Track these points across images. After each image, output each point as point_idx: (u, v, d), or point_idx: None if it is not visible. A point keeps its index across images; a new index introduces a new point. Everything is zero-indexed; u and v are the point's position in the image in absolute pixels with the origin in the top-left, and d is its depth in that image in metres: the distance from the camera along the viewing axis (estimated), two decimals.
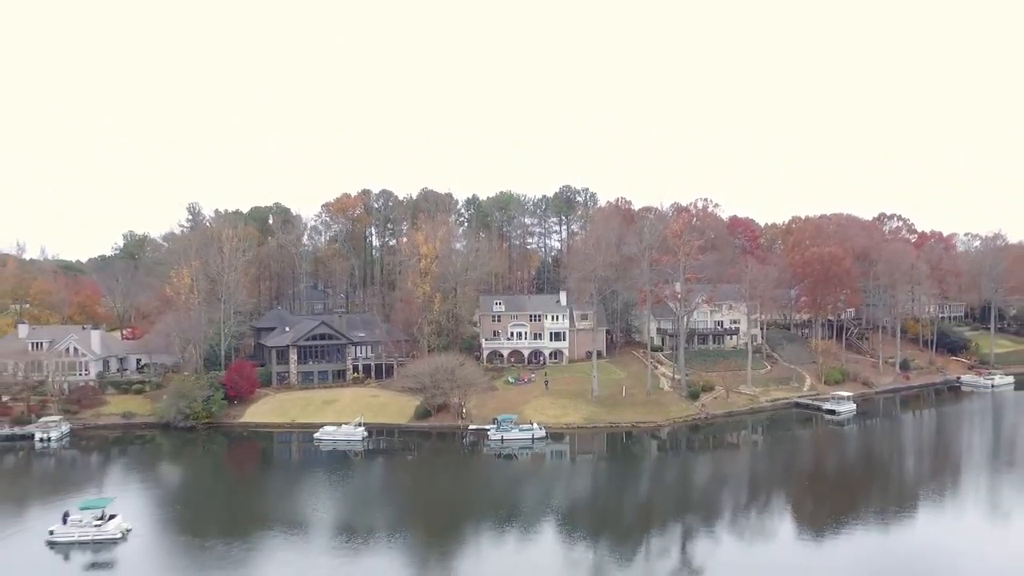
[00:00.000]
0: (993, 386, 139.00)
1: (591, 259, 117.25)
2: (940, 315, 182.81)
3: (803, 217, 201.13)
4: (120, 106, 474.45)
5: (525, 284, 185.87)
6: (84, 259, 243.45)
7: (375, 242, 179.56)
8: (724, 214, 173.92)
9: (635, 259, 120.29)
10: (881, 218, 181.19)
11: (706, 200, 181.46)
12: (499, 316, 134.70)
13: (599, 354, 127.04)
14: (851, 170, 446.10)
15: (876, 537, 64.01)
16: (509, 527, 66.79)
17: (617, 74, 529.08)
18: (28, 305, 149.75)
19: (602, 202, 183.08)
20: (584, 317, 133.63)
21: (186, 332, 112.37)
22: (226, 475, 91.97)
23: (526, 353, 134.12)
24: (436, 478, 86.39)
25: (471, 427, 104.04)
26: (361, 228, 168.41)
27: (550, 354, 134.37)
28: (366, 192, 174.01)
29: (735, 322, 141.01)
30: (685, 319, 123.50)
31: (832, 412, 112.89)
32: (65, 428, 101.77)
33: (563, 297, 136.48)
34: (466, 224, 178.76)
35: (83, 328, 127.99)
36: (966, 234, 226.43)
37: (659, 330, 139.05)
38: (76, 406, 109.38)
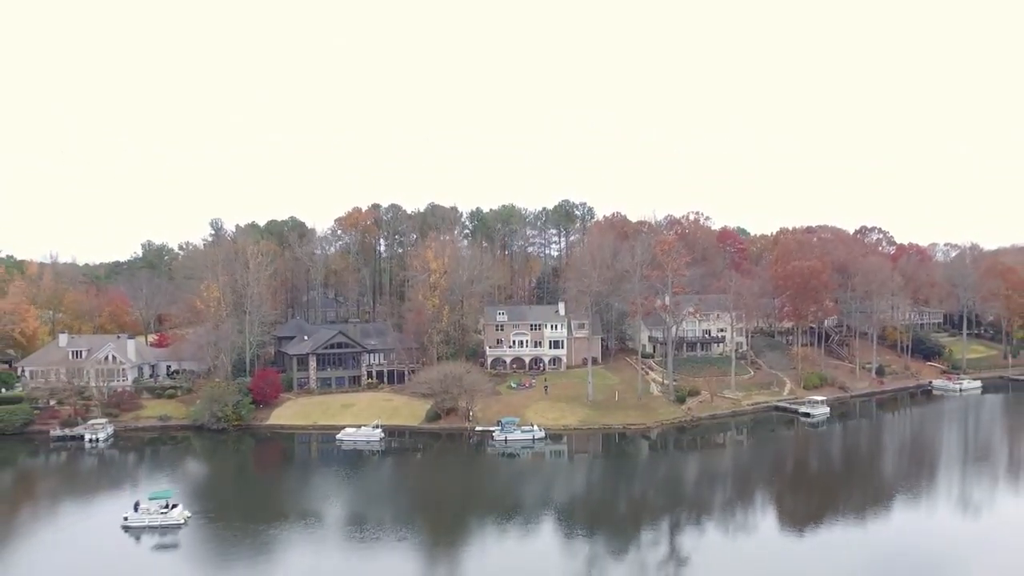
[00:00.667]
0: (961, 390, 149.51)
1: (587, 275, 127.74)
2: (919, 322, 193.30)
3: (791, 228, 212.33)
4: (120, 106, 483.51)
5: (526, 293, 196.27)
6: (85, 260, 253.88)
7: (383, 250, 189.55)
8: (718, 222, 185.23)
9: (628, 274, 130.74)
10: (863, 231, 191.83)
11: (697, 213, 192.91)
12: (502, 325, 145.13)
13: (595, 361, 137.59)
14: (848, 170, 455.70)
15: (846, 526, 73.83)
16: (512, 519, 76.80)
17: (617, 74, 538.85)
18: (60, 314, 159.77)
19: (599, 215, 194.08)
20: (581, 326, 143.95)
21: (217, 342, 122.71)
22: (259, 472, 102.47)
23: (527, 360, 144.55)
24: (446, 475, 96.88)
25: (477, 429, 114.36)
26: (372, 240, 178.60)
27: (549, 361, 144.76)
28: (376, 206, 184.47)
29: (722, 330, 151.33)
30: (674, 329, 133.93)
31: (807, 415, 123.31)
32: (110, 430, 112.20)
33: (561, 307, 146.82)
34: (470, 236, 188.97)
35: (118, 337, 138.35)
36: (946, 244, 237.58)
37: (651, 338, 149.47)
38: (116, 409, 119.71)
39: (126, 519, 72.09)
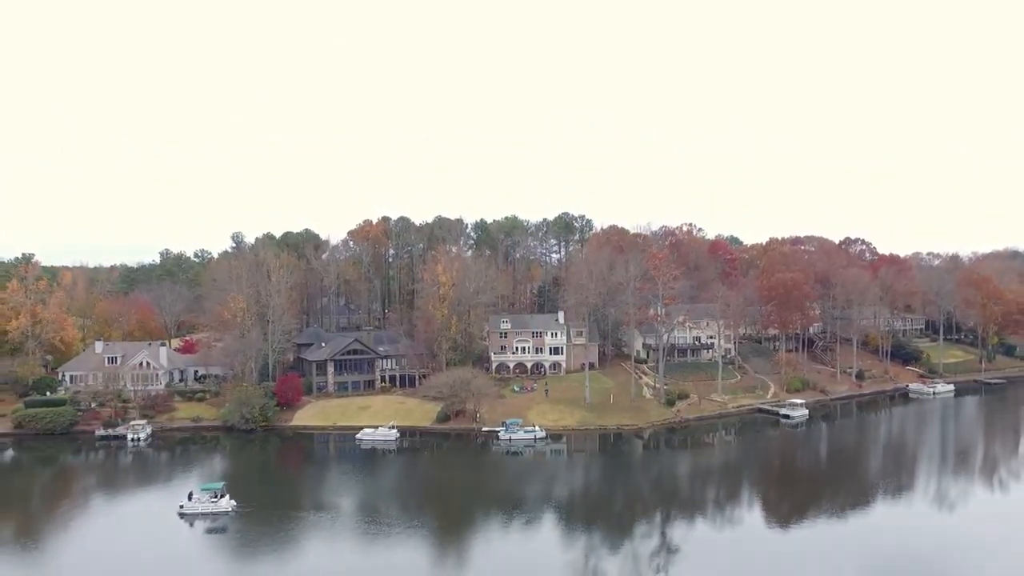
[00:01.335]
0: (935, 393, 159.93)
1: (585, 287, 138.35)
2: (902, 328, 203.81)
3: (780, 238, 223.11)
4: (120, 106, 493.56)
5: (527, 300, 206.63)
6: (90, 262, 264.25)
7: (392, 260, 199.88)
8: (715, 227, 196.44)
9: (622, 287, 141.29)
10: (847, 241, 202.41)
11: (691, 225, 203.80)
12: (506, 333, 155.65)
13: (592, 366, 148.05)
14: (848, 171, 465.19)
15: (821, 517, 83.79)
16: (516, 512, 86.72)
17: (617, 74, 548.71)
18: (89, 320, 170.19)
19: (597, 226, 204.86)
20: (579, 334, 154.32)
21: (245, 349, 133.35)
22: (288, 468, 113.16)
23: (529, 365, 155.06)
24: (456, 471, 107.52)
25: (484, 429, 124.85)
26: (382, 251, 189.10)
27: (550, 366, 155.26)
28: (386, 219, 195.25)
29: (711, 337, 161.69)
30: (665, 336, 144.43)
31: (787, 417, 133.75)
32: (149, 430, 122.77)
33: (561, 316, 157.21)
34: (474, 247, 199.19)
35: (149, 344, 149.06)
36: (928, 253, 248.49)
37: (644, 345, 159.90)
38: (152, 411, 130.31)
39: (182, 507, 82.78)
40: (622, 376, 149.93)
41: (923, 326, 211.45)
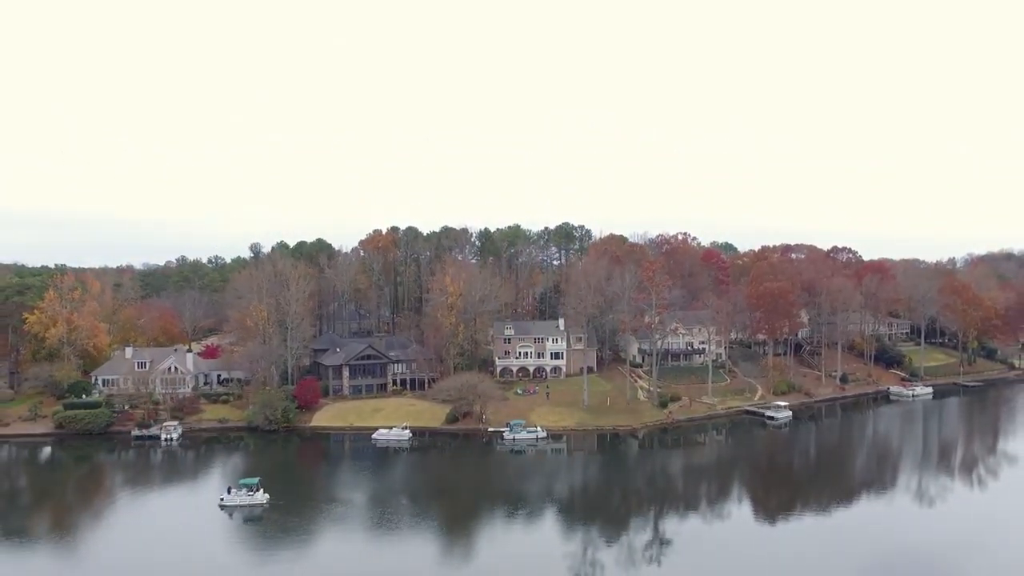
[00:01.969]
0: (914, 395, 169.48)
1: (583, 298, 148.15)
2: (888, 332, 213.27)
3: (772, 246, 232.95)
4: (120, 106, 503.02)
5: (529, 305, 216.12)
6: (95, 263, 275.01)
7: (400, 260, 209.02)
8: (711, 233, 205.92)
9: (618, 297, 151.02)
10: (835, 250, 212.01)
11: (685, 234, 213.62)
12: (509, 339, 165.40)
13: (590, 369, 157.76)
14: (848, 171, 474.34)
15: (797, 508, 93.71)
16: (519, 506, 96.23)
17: (617, 74, 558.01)
18: (116, 326, 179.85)
19: (596, 233, 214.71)
20: (579, 339, 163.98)
21: (267, 355, 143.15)
22: (310, 465, 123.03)
23: (531, 369, 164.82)
24: (464, 468, 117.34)
25: (489, 430, 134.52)
26: (392, 260, 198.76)
27: (551, 370, 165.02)
28: (395, 228, 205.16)
29: (703, 343, 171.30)
30: (659, 342, 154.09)
31: (772, 418, 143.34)
32: (180, 430, 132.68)
33: (561, 323, 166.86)
34: (478, 256, 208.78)
35: (175, 350, 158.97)
36: (914, 259, 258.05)
37: (640, 350, 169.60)
38: (181, 413, 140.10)
39: (222, 500, 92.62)
40: (618, 379, 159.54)
41: (908, 330, 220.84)
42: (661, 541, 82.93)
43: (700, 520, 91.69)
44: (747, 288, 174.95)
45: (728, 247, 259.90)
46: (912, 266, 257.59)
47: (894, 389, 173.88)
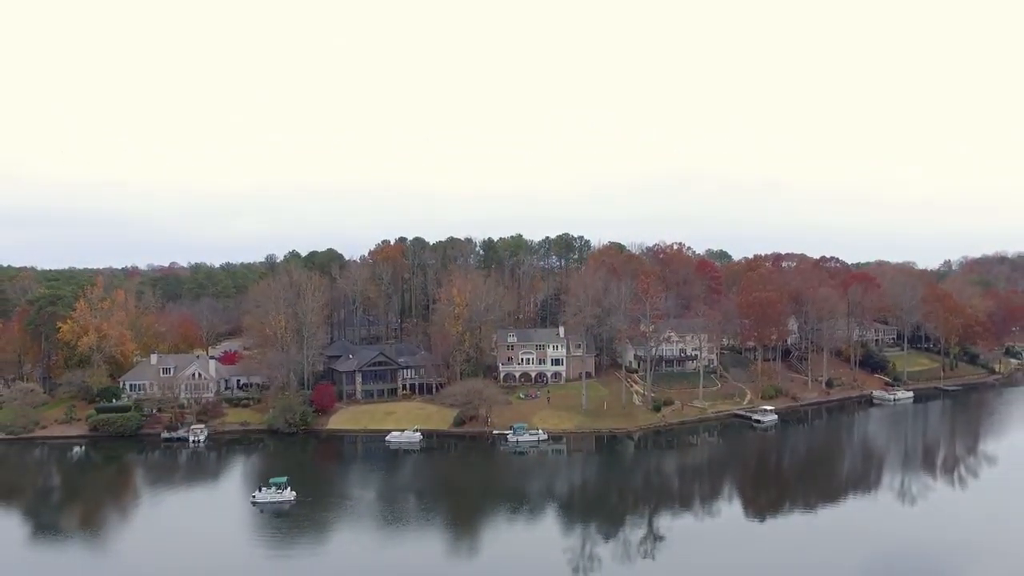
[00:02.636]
0: (895, 400, 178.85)
1: (581, 309, 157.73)
2: (875, 338, 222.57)
3: (764, 255, 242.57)
4: (120, 106, 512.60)
5: (531, 312, 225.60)
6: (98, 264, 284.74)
7: (408, 276, 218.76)
8: (701, 246, 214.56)
9: (615, 307, 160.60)
10: (823, 260, 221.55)
11: (680, 244, 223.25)
12: (512, 346, 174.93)
13: (588, 375, 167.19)
14: (848, 170, 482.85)
15: (779, 503, 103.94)
16: (522, 503, 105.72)
17: (617, 74, 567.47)
18: (139, 333, 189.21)
19: (595, 241, 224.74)
20: (578, 346, 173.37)
21: (286, 363, 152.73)
22: (329, 465, 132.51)
23: (533, 374, 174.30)
24: (470, 468, 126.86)
25: (494, 432, 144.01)
26: (400, 270, 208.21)
27: (551, 375, 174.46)
28: (402, 239, 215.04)
29: (695, 350, 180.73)
30: (653, 350, 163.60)
31: (758, 421, 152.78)
32: (206, 433, 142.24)
33: (561, 331, 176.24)
34: (482, 265, 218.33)
35: (198, 357, 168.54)
36: (910, 261, 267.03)
37: (636, 356, 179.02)
38: (205, 416, 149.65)
39: (254, 497, 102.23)
40: (615, 384, 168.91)
41: (895, 336, 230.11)
42: (655, 537, 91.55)
43: (692, 517, 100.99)
44: (738, 297, 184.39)
45: (723, 255, 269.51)
46: (902, 270, 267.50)
47: (877, 393, 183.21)
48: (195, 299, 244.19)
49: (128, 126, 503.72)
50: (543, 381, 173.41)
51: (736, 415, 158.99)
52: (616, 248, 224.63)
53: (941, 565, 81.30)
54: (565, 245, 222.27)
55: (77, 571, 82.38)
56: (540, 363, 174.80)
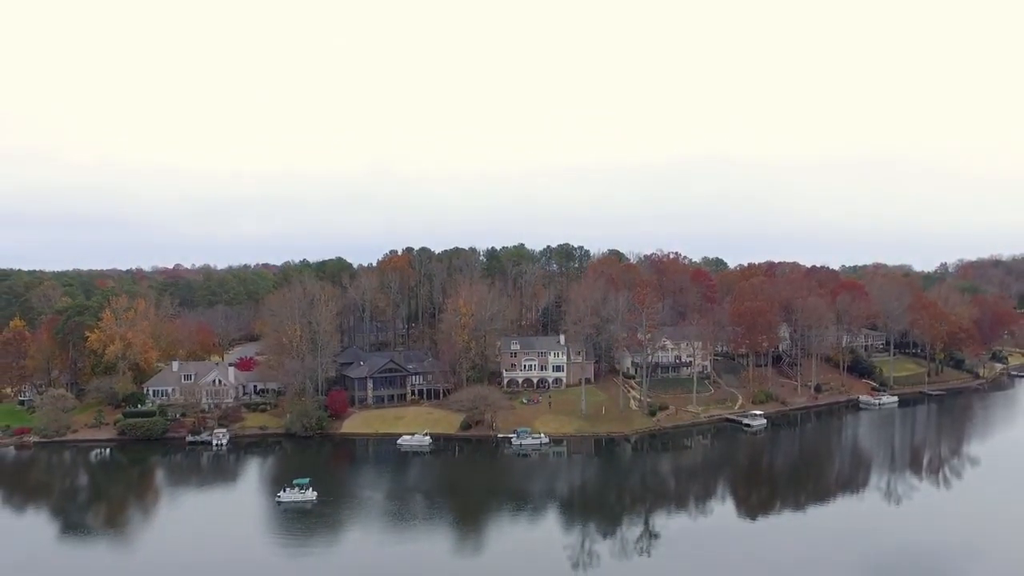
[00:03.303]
0: (880, 404, 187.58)
1: (581, 319, 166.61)
2: (864, 344, 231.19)
3: (757, 263, 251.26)
4: (120, 106, 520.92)
5: (533, 318, 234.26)
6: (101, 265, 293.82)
7: (415, 284, 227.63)
8: (697, 255, 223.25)
9: (613, 317, 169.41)
10: (813, 269, 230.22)
11: (676, 253, 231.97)
12: (515, 353, 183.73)
13: (588, 380, 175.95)
14: (848, 170, 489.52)
15: (765, 501, 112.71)
16: (525, 502, 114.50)
17: (617, 74, 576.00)
18: (160, 341, 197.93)
19: (594, 250, 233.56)
20: (578, 353, 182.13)
21: (303, 370, 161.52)
22: (345, 466, 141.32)
23: (535, 380, 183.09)
24: (476, 470, 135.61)
25: (499, 435, 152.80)
26: (407, 279, 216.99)
27: (552, 381, 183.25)
28: (409, 249, 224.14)
29: (690, 356, 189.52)
30: (649, 357, 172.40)
31: (748, 425, 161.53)
32: (228, 436, 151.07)
33: (562, 338, 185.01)
34: (486, 274, 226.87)
35: (217, 364, 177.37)
36: (906, 264, 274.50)
37: (633, 363, 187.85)
38: (225, 421, 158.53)
39: (279, 496, 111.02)
40: (613, 390, 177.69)
41: (884, 342, 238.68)
42: (651, 534, 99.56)
43: (686, 516, 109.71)
44: (730, 307, 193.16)
45: (718, 262, 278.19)
46: (890, 278, 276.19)
47: (863, 398, 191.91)
48: (209, 306, 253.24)
49: (128, 126, 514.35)
50: (545, 386, 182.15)
51: (728, 419, 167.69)
52: (615, 257, 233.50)
53: (924, 560, 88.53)
54: (565, 254, 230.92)
55: (128, 560, 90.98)
56: (542, 369, 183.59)
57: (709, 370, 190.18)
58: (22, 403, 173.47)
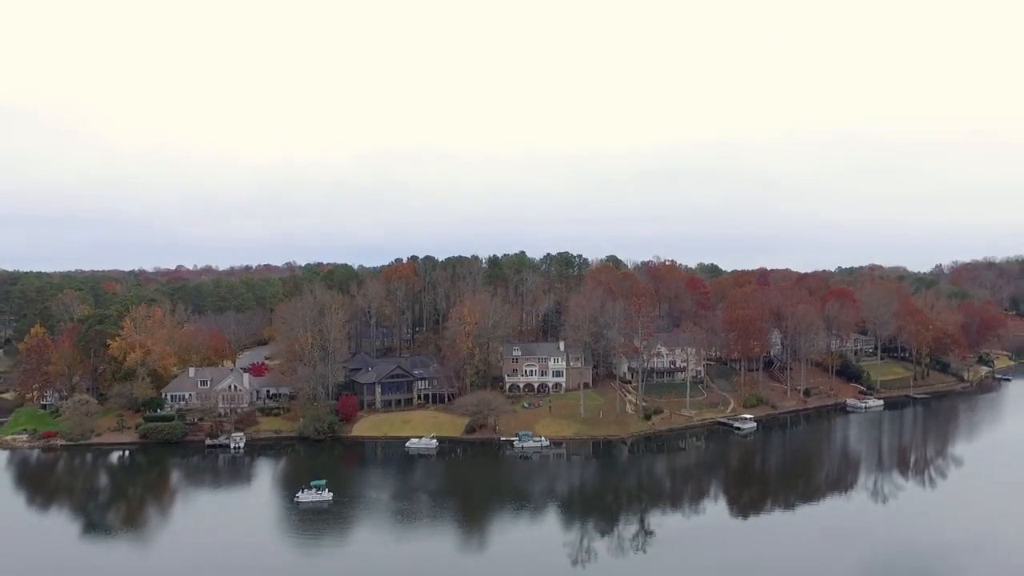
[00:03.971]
0: (866, 407, 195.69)
1: (579, 328, 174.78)
2: (855, 348, 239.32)
3: (751, 269, 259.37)
4: (120, 106, 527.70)
5: (533, 324, 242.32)
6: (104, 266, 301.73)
7: (420, 291, 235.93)
8: (696, 256, 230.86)
9: (610, 325, 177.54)
10: (803, 277, 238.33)
11: (672, 261, 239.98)
12: (517, 359, 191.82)
13: (586, 385, 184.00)
14: (847, 170, 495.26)
15: (754, 500, 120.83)
16: (526, 501, 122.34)
17: (616, 74, 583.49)
18: (176, 347, 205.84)
19: (592, 256, 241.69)
20: (577, 359, 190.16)
21: (314, 377, 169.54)
22: (356, 468, 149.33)
23: (536, 385, 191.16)
24: (480, 471, 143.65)
25: (501, 439, 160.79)
26: (412, 286, 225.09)
27: (552, 386, 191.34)
28: (414, 258, 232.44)
29: (684, 362, 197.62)
30: (645, 363, 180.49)
31: (739, 428, 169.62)
32: (244, 439, 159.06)
33: (562, 345, 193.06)
34: (488, 280, 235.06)
35: (232, 370, 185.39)
36: (901, 267, 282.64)
37: (629, 368, 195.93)
38: (241, 425, 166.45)
39: (298, 497, 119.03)
40: (610, 394, 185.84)
41: (872, 346, 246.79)
42: (646, 532, 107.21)
43: (679, 515, 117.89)
44: (723, 314, 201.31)
45: (713, 268, 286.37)
46: (880, 284, 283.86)
47: (850, 401, 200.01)
48: (218, 312, 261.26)
49: (128, 126, 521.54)
50: (545, 391, 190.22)
51: (719, 423, 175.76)
52: (612, 264, 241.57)
53: (910, 556, 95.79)
54: (565, 262, 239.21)
55: (166, 555, 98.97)
56: (542, 374, 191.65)
57: (702, 375, 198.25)
58: (44, 407, 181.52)
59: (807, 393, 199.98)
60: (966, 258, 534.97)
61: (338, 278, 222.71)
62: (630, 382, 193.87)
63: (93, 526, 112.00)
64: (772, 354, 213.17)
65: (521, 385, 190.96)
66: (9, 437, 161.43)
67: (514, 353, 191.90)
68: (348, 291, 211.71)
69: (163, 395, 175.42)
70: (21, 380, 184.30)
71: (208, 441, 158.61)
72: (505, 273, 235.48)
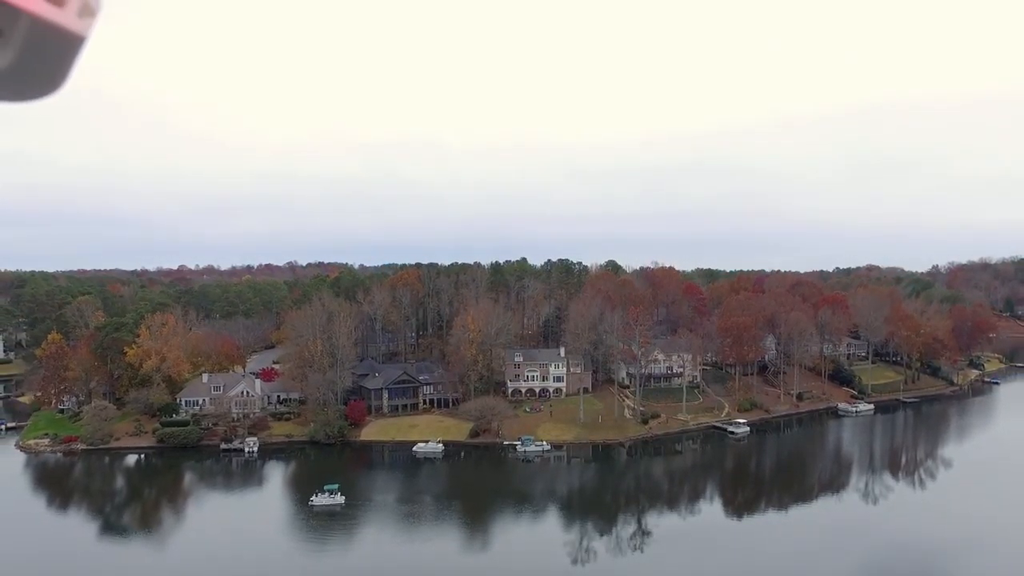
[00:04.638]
0: (857, 411, 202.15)
1: (579, 335, 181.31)
2: (847, 352, 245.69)
3: (748, 271, 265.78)
4: (120, 106, 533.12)
5: (534, 330, 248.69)
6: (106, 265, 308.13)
7: (424, 297, 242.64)
8: (690, 265, 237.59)
9: (608, 333, 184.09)
10: (797, 284, 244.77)
11: (670, 267, 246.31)
12: (519, 364, 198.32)
13: (586, 390, 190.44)
14: (847, 169, 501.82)
15: (746, 500, 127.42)
16: (528, 503, 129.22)
17: (616, 74, 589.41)
18: (188, 353, 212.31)
19: (592, 265, 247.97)
20: (576, 364, 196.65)
21: (326, 383, 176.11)
22: (365, 472, 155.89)
23: (537, 390, 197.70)
24: (484, 474, 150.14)
25: (504, 443, 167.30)
26: (417, 293, 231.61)
27: (553, 391, 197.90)
28: (418, 265, 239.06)
29: (680, 367, 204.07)
30: (642, 368, 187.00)
31: (732, 432, 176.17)
32: (257, 444, 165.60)
33: (562, 350, 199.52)
34: (490, 286, 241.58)
35: (244, 376, 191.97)
36: (897, 267, 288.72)
37: (628, 373, 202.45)
38: (254, 429, 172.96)
39: (312, 501, 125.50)
40: (609, 399, 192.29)
41: (865, 351, 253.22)
42: (644, 532, 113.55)
43: (676, 515, 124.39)
44: (718, 321, 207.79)
45: (710, 273, 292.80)
46: (872, 290, 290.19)
47: (841, 406, 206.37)
48: (226, 316, 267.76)
49: (129, 127, 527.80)
50: (546, 396, 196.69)
51: (714, 427, 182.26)
52: (611, 270, 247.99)
53: (902, 553, 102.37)
54: (565, 269, 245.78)
55: (191, 551, 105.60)
56: (543, 380, 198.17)
57: (698, 380, 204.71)
58: (61, 411, 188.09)
59: (800, 397, 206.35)
60: (962, 259, 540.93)
61: (344, 285, 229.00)
62: (628, 387, 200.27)
63: (110, 527, 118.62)
64: (766, 359, 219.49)
65: (523, 390, 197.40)
66: (32, 442, 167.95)
67: (516, 359, 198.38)
68: (355, 298, 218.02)
69: (178, 400, 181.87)
70: (41, 386, 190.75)
71: (223, 445, 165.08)
72: (507, 280, 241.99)
